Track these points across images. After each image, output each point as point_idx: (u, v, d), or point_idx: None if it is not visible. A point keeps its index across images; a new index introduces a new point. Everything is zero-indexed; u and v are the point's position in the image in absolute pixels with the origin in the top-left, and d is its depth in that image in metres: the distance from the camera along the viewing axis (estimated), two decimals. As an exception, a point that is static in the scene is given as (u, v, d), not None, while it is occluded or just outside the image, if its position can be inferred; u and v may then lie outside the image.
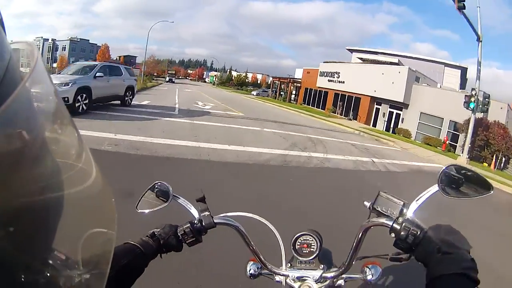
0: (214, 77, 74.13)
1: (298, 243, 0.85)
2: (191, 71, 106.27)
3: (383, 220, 0.66)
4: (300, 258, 0.84)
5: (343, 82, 23.71)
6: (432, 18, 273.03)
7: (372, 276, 0.82)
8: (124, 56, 76.50)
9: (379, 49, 29.02)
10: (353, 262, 0.76)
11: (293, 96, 33.96)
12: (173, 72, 64.91)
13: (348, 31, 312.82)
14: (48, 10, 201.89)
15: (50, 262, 0.30)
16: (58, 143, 0.30)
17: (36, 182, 0.25)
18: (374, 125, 21.19)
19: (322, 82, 26.22)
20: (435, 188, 0.68)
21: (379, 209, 0.69)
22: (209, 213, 0.74)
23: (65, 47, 63.35)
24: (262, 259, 0.82)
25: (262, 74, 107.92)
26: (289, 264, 0.83)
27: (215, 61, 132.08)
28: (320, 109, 26.08)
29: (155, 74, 65.77)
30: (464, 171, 0.69)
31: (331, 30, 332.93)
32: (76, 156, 0.32)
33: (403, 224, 0.62)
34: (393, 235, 0.64)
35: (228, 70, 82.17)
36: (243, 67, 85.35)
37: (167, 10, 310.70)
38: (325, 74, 25.97)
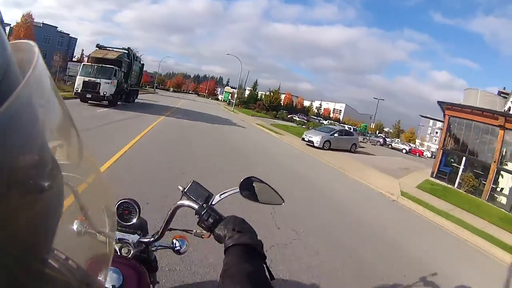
0: (229, 94, 56.84)
1: (121, 209, 0.93)
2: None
3: (191, 203, 0.81)
4: (122, 222, 0.92)
5: None
6: (453, 47, 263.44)
7: (180, 247, 0.96)
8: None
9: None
10: (165, 233, 0.90)
11: None
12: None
13: (367, 57, 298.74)
14: (70, 15, 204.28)
15: (50, 262, 0.30)
16: (59, 143, 0.29)
17: (36, 182, 0.24)
18: None
19: None
20: (236, 189, 0.84)
21: (189, 194, 0.83)
22: None
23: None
24: (90, 218, 1.10)
25: (297, 96, 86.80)
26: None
27: (231, 79, 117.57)
28: None
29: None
30: (261, 183, 0.87)
31: (350, 56, 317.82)
32: (76, 157, 0.32)
33: (206, 209, 0.76)
34: (197, 216, 0.77)
35: (252, 88, 61.62)
36: (261, 88, 63.11)
37: (188, 26, 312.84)
38: None
